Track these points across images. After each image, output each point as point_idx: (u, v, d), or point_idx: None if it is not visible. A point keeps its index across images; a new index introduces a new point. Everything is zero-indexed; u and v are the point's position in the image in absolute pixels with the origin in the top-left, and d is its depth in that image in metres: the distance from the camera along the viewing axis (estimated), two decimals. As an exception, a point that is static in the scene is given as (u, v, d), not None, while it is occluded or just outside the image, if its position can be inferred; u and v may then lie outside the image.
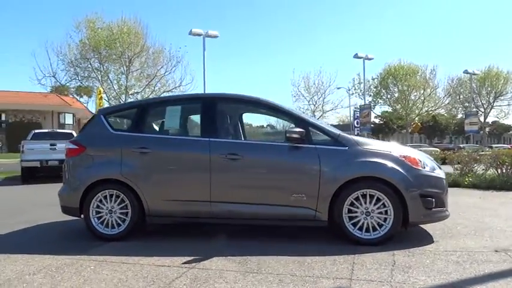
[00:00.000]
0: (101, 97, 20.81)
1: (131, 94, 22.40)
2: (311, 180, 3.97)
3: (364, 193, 3.93)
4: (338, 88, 27.87)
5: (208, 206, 4.15)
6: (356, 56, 26.03)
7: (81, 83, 21.33)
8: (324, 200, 3.95)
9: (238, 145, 4.18)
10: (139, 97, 22.92)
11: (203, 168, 4.17)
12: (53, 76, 19.92)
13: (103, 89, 20.66)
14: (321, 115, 28.33)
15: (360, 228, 3.94)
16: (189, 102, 4.66)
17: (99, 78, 21.79)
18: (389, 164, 3.95)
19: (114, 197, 4.32)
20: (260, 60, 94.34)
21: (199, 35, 21.18)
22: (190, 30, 21.04)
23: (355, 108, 27.18)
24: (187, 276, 3.13)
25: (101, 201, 4.34)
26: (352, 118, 28.41)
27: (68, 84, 20.85)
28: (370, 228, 3.94)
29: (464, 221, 5.02)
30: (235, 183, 4.15)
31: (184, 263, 3.48)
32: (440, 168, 4.36)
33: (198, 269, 3.31)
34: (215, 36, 21.72)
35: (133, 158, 4.30)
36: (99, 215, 4.35)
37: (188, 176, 4.25)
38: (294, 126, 4.14)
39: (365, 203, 3.93)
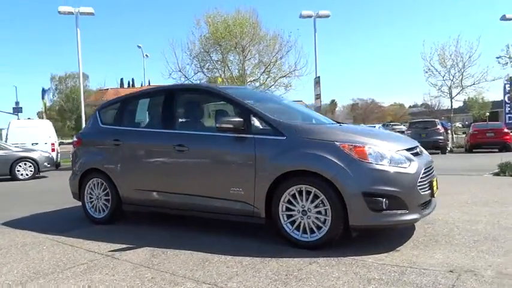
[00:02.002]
0: (221, 87, 22.49)
1: (249, 82, 23.43)
2: (247, 174, 3.66)
3: (301, 189, 3.44)
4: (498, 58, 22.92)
5: (167, 197, 4.24)
6: (504, 18, 21.51)
7: (206, 75, 23.26)
8: (259, 195, 3.61)
9: (186, 136, 4.10)
10: (257, 84, 23.87)
11: (160, 159, 4.28)
12: (180, 71, 22.27)
13: (223, 79, 22.17)
14: (460, 91, 24.50)
15: (298, 229, 3.48)
16: (154, 95, 4.76)
17: (222, 69, 23.40)
18: (327, 155, 3.35)
19: (99, 184, 4.79)
20: (386, 34, 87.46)
21: (309, 16, 20.74)
22: (300, 13, 20.75)
23: (505, 80, 22.60)
24: (88, 264, 3.32)
25: (91, 188, 4.87)
26: (503, 93, 23.83)
27: (193, 77, 23.02)
28: (308, 230, 3.44)
29: (473, 226, 3.96)
30: (184, 175, 4.12)
31: (110, 251, 3.67)
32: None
33: (107, 258, 3.46)
34: (326, 16, 20.94)
35: (111, 149, 4.67)
36: (91, 200, 4.89)
37: (149, 166, 4.40)
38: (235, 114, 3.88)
39: (301, 200, 3.44)
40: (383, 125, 48.96)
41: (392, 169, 3.29)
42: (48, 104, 56.78)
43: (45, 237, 4.29)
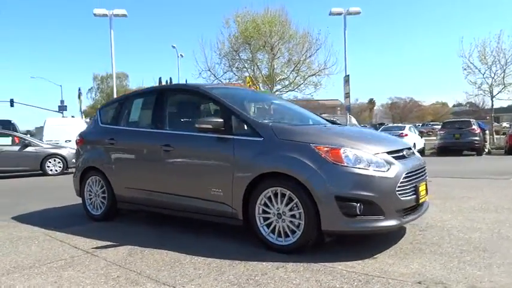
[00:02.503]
0: (249, 86, 22.51)
1: (279, 80, 23.35)
2: (226, 175, 3.62)
3: (276, 191, 3.37)
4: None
5: (156, 196, 4.29)
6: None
7: (235, 74, 23.41)
8: (237, 197, 3.56)
9: (172, 136, 4.12)
10: (286, 82, 23.75)
11: (149, 158, 4.33)
12: (209, 70, 22.55)
13: (251, 78, 22.22)
14: (502, 89, 23.11)
15: (274, 232, 3.41)
16: (147, 95, 4.80)
17: (252, 67, 23.46)
18: (301, 158, 3.25)
19: (97, 182, 4.93)
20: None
21: (339, 14, 20.32)
22: (330, 11, 20.39)
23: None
24: (67, 260, 3.41)
25: (90, 185, 5.02)
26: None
27: (223, 76, 23.23)
28: (282, 233, 3.36)
29: (469, 234, 3.71)
30: (170, 175, 4.15)
31: (94, 247, 3.76)
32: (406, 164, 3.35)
33: (87, 255, 3.54)
34: (357, 13, 20.43)
35: (107, 148, 4.79)
36: (90, 197, 5.04)
37: (140, 165, 4.46)
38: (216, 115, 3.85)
39: (277, 203, 3.37)
40: (422, 125, 47.18)
41: (368, 173, 3.15)
42: (90, 103, 59.32)
43: (42, 232, 4.46)
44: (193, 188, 3.93)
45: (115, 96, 23.83)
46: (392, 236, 3.69)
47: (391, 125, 28.06)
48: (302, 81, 23.55)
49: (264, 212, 3.44)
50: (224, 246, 3.65)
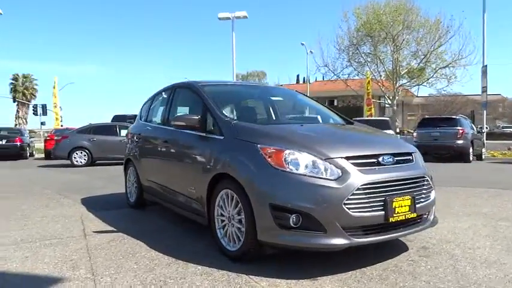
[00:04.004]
0: (369, 81, 21.26)
1: (404, 73, 21.47)
2: (197, 173, 3.58)
3: (228, 194, 3.19)
4: None
5: (162, 190, 4.48)
6: None
7: (355, 69, 22.39)
8: (202, 196, 3.49)
9: (169, 132, 4.21)
10: (413, 76, 21.69)
11: (157, 153, 4.55)
12: (325, 66, 22.07)
13: (371, 72, 21.00)
14: None
15: (226, 235, 3.24)
16: (162, 93, 4.94)
17: (375, 61, 22.14)
18: (245, 159, 3.01)
19: (133, 172, 5.41)
20: None
21: (477, -5, 17.50)
22: (465, -8, 17.71)
23: None
24: (61, 240, 3.86)
25: (129, 175, 5.54)
26: None
27: (342, 71, 22.46)
28: (231, 238, 3.16)
29: (458, 262, 2.82)
30: (168, 170, 4.29)
31: (95, 231, 4.16)
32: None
33: (81, 237, 3.94)
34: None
35: (136, 142, 5.21)
36: (128, 185, 5.57)
37: (153, 159, 4.72)
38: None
39: (229, 205, 3.18)
40: None
41: (307, 180, 2.72)
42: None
43: (81, 212, 5.13)
44: (179, 184, 3.99)
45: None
46: (367, 257, 3.11)
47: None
48: (432, 74, 21.16)
49: (221, 214, 3.29)
50: (194, 244, 3.61)
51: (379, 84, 21.91)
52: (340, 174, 2.74)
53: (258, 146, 2.97)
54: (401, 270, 2.87)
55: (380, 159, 2.95)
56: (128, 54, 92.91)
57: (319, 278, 2.74)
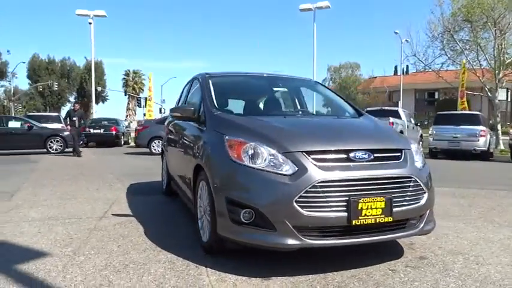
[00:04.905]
0: (464, 71, 19.12)
1: (508, 64, 18.87)
2: (188, 163, 3.64)
3: (203, 185, 3.17)
4: None
5: (176, 179, 4.65)
6: None
7: (450, 58, 20.27)
8: (191, 186, 3.55)
9: (179, 124, 4.31)
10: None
11: (173, 143, 4.71)
12: (414, 55, 20.37)
13: (468, 61, 18.90)
14: None
15: (202, 227, 3.23)
16: (187, 84, 4.97)
17: (476, 49, 19.84)
18: (212, 150, 2.98)
19: (164, 161, 5.69)
20: None
21: None
22: None
23: None
24: (83, 219, 4.25)
25: (163, 164, 5.83)
26: None
27: (434, 61, 20.50)
28: (205, 230, 3.15)
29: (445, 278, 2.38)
30: (176, 160, 4.42)
31: (114, 214, 4.49)
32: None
33: (100, 218, 4.29)
34: None
35: (166, 133, 5.47)
36: (162, 173, 5.87)
37: (170, 150, 4.90)
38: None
39: (204, 197, 3.17)
40: None
41: (263, 175, 2.57)
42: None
43: (118, 196, 5.57)
44: (182, 173, 4.09)
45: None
46: (345, 260, 2.85)
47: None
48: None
49: (200, 205, 3.30)
50: (183, 235, 3.65)
51: (478, 74, 19.57)
52: (296, 169, 2.55)
53: (226, 137, 2.90)
54: (368, 280, 2.58)
55: (351, 155, 2.66)
56: (229, 49, 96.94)
57: (272, 278, 2.60)
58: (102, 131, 18.57)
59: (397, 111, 15.54)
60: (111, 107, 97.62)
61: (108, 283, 2.53)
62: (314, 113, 4.05)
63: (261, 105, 4.13)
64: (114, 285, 2.50)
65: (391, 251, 3.14)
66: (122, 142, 19.82)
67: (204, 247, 3.10)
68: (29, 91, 56.75)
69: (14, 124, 14.40)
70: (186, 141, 3.87)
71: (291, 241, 2.51)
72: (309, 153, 2.61)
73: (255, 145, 2.70)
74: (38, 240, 3.47)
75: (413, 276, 2.65)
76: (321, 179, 2.50)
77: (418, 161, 2.95)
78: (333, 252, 3.02)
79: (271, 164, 2.60)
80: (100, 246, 3.29)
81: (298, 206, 2.47)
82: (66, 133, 14.72)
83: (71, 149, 13.49)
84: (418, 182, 2.76)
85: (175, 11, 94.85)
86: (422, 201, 2.78)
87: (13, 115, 35.63)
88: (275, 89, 4.24)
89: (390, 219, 2.61)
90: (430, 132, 14.31)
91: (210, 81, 3.98)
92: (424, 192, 2.80)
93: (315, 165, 2.55)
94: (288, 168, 2.56)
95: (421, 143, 17.14)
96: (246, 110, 3.86)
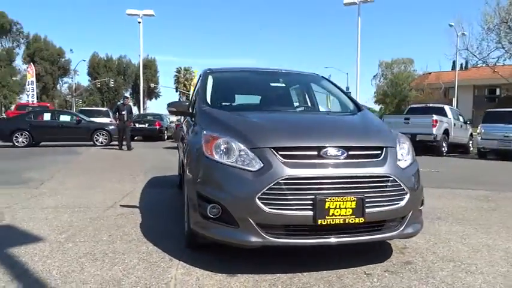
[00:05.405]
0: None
1: None
2: (179, 158, 3.72)
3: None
4: None
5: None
6: None
7: (507, 51, 18.81)
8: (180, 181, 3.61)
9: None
10: None
11: (182, 137, 4.80)
12: (466, 49, 19.10)
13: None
14: None
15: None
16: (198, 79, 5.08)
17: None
18: (192, 145, 2.99)
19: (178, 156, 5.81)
20: None
21: None
22: None
23: None
24: (101, 208, 4.46)
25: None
26: None
27: (490, 54, 19.11)
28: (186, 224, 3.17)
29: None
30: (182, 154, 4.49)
31: (122, 204, 4.66)
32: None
33: (107, 208, 4.48)
34: None
35: (179, 129, 5.58)
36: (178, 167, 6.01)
37: (180, 147, 4.98)
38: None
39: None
40: None
41: (230, 170, 2.54)
42: (374, 89, 60.79)
43: (134, 188, 5.77)
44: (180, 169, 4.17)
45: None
46: (320, 262, 2.74)
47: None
48: None
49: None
50: (176, 228, 3.70)
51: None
52: (262, 165, 2.49)
53: (204, 132, 2.90)
54: (336, 283, 2.46)
55: (323, 152, 2.55)
56: (279, 47, 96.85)
57: (237, 275, 2.57)
58: (146, 125, 19.34)
59: (442, 109, 14.67)
60: (164, 103, 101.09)
61: (80, 270, 2.63)
62: (308, 109, 3.92)
63: (256, 101, 4.08)
64: (84, 272, 2.60)
65: (378, 254, 2.98)
66: (166, 137, 20.51)
67: (186, 241, 3.13)
68: (89, 87, 60.46)
69: (64, 118, 15.39)
70: (182, 136, 3.93)
71: (253, 238, 2.46)
72: (278, 149, 2.54)
73: (227, 140, 2.67)
74: (41, 226, 3.69)
75: (387, 281, 2.50)
76: (285, 176, 2.42)
77: (404, 160, 2.78)
78: (313, 252, 2.93)
79: (240, 159, 2.57)
80: (92, 235, 3.43)
81: (261, 203, 2.41)
82: (111, 127, 15.49)
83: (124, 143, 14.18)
84: (397, 181, 2.59)
85: (225, 7, 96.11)
86: (403, 203, 2.61)
87: (74, 110, 38.12)
88: (272, 84, 4.16)
89: (362, 220, 2.48)
90: (478, 131, 13.40)
91: (210, 77, 3.99)
92: (405, 193, 2.62)
93: (282, 161, 2.48)
94: (254, 164, 2.51)
95: (471, 142, 16.10)
96: (237, 106, 3.84)
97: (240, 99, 4.02)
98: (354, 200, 2.45)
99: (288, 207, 2.42)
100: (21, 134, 14.18)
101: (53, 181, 6.37)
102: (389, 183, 2.57)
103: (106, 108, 23.72)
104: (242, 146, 2.61)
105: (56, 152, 12.14)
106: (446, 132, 13.87)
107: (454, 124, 14.56)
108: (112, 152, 12.43)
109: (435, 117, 13.22)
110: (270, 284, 2.45)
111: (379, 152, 2.68)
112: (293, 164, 2.48)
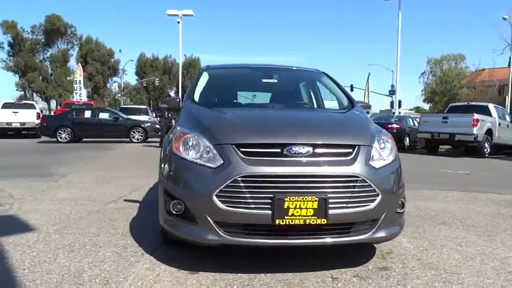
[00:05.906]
0: None
1: None
2: None
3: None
4: None
5: None
6: None
7: None
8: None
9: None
10: None
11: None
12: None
13: None
14: None
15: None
16: None
17: None
18: (167, 141, 2.98)
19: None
20: None
21: None
22: None
23: None
24: (105, 201, 4.62)
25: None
26: None
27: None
28: (163, 220, 3.20)
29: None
30: None
31: (125, 199, 4.79)
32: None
33: (109, 202, 4.61)
34: None
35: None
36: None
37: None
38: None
39: (168, 187, 3.22)
40: None
41: (192, 167, 2.51)
42: (422, 87, 58.16)
43: (145, 184, 5.89)
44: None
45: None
46: (295, 262, 2.65)
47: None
48: None
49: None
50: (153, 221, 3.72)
51: None
52: (222, 162, 2.44)
53: (177, 128, 2.90)
54: (297, 286, 2.37)
55: (286, 149, 2.46)
56: (320, 44, 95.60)
57: (199, 272, 2.54)
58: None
59: (486, 107, 13.76)
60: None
61: (52, 261, 2.71)
62: (299, 105, 3.81)
63: (248, 97, 4.03)
64: (54, 263, 2.67)
65: (357, 257, 2.83)
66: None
67: (162, 237, 3.15)
68: (136, 86, 62.88)
69: (103, 115, 16.09)
70: None
71: (211, 236, 2.42)
72: (239, 146, 2.48)
73: (194, 136, 2.65)
74: (40, 217, 3.86)
75: (351, 287, 2.36)
76: (243, 173, 2.36)
77: (381, 160, 2.61)
78: (288, 253, 2.84)
79: (204, 156, 2.53)
80: (82, 227, 3.54)
81: (219, 200, 2.36)
82: (147, 124, 15.99)
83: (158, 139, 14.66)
84: (367, 182, 2.44)
85: (265, 7, 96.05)
86: (373, 205, 2.45)
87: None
88: (264, 80, 4.07)
89: (324, 221, 2.36)
90: None
91: (206, 73, 4.00)
92: (377, 195, 2.46)
93: (242, 158, 2.42)
94: (215, 161, 2.47)
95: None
96: (222, 102, 3.78)
97: (234, 95, 3.97)
98: (315, 200, 2.34)
99: (246, 206, 2.35)
100: (64, 131, 15.01)
101: (74, 175, 6.66)
102: (357, 184, 2.43)
103: (145, 106, 24.52)
104: (207, 143, 2.57)
105: (92, 147, 12.73)
106: (489, 132, 13.01)
107: (499, 124, 13.61)
108: (146, 149, 12.82)
109: (476, 116, 12.43)
110: (227, 283, 2.39)
111: (350, 150, 2.54)
112: (253, 161, 2.41)
